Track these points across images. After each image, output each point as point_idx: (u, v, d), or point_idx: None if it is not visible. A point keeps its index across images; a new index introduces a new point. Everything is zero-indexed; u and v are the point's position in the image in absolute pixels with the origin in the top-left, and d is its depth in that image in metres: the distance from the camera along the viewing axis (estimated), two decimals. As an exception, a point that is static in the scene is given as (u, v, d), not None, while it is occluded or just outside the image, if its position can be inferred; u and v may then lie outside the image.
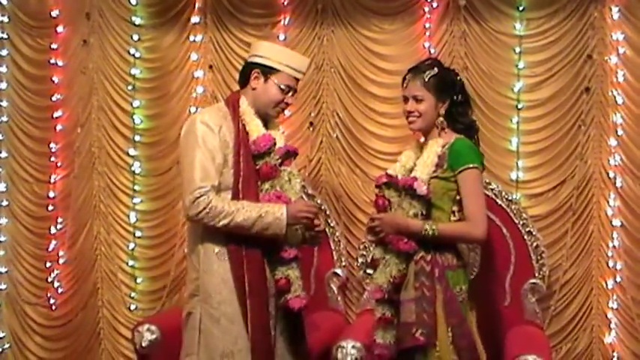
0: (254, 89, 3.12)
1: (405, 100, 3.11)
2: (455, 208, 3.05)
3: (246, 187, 3.04)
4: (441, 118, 3.08)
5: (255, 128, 3.08)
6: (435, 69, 3.07)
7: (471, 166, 3.00)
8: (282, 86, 3.10)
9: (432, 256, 3.01)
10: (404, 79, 3.12)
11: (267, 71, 3.10)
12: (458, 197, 3.04)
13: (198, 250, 3.07)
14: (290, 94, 3.13)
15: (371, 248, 4.16)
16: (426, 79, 3.05)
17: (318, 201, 4.30)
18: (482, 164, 3.08)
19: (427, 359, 2.96)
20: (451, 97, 3.10)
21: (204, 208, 2.95)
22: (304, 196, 4.22)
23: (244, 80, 3.16)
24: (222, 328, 3.01)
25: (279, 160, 3.10)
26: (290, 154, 3.15)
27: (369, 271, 3.25)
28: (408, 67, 3.17)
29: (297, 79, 3.15)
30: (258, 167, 3.07)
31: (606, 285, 4.09)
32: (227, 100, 3.20)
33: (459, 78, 3.19)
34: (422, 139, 3.19)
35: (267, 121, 3.17)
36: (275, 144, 3.09)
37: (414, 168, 3.09)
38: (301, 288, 3.09)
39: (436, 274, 2.99)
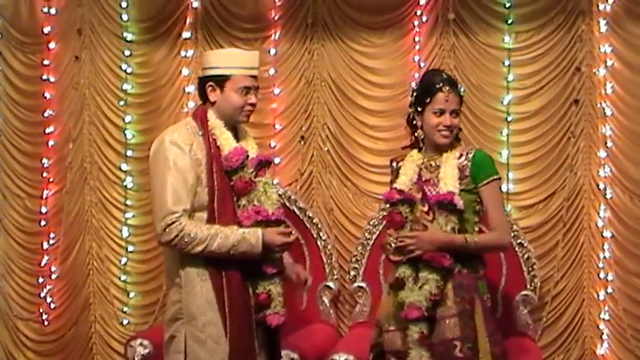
0: (214, 102, 3.00)
1: (438, 113, 3.02)
2: (476, 219, 3.07)
3: (222, 204, 2.94)
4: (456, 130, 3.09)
5: (226, 142, 2.97)
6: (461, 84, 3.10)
7: (495, 177, 3.04)
8: (239, 90, 2.98)
9: (467, 269, 3.02)
10: (439, 90, 3.01)
11: (220, 80, 2.98)
12: (477, 208, 3.05)
13: (179, 272, 2.97)
14: (251, 94, 3.01)
15: (363, 261, 4.20)
16: (462, 94, 3.07)
17: (310, 214, 4.31)
18: None
19: None
20: None
21: (177, 235, 2.86)
22: (297, 211, 4.26)
23: (203, 96, 3.04)
24: (208, 349, 2.93)
25: (253, 173, 3.00)
26: (263, 164, 3.05)
27: (390, 290, 3.12)
28: (440, 80, 3.04)
29: (254, 76, 3.03)
30: (232, 183, 2.97)
31: (598, 296, 4.11)
32: (194, 114, 3.07)
33: None
34: (415, 150, 3.15)
35: (237, 131, 3.08)
36: (247, 156, 3.00)
37: (423, 181, 3.06)
38: (281, 304, 3.01)
39: (472, 286, 3.00)
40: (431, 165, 3.09)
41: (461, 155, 3.05)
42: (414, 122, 3.11)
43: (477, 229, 3.06)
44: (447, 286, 2.98)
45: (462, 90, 3.09)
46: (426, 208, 3.03)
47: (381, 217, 4.20)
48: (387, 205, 3.14)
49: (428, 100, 3.04)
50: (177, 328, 2.98)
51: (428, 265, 2.97)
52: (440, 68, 3.35)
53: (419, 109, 3.07)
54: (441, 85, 3.03)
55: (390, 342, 3.06)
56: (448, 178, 3.00)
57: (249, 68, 3.02)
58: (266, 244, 2.93)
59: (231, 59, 3.04)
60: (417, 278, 2.99)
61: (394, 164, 3.24)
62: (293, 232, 3.09)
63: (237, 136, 3.06)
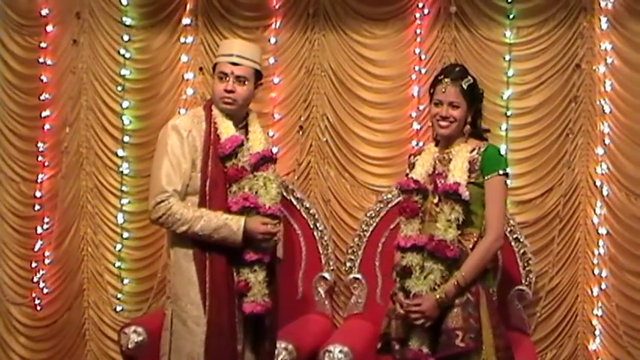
0: None
1: (438, 103, 3.12)
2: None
3: (214, 190, 3.06)
4: (468, 126, 3.13)
5: (225, 130, 3.11)
6: (470, 77, 3.12)
7: (501, 173, 3.07)
8: (218, 76, 3.13)
9: None
10: (438, 82, 3.13)
11: (213, 70, 3.20)
12: None
13: (170, 252, 3.15)
14: (228, 80, 3.12)
15: (359, 253, 4.21)
16: (465, 87, 3.09)
17: (307, 205, 4.30)
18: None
19: None
20: (477, 105, 3.16)
21: (164, 214, 3.02)
22: (294, 201, 4.26)
23: None
24: (189, 330, 3.05)
25: (247, 161, 3.10)
26: (266, 160, 3.16)
27: (399, 278, 3.15)
28: (441, 72, 3.20)
29: (234, 64, 3.12)
30: (226, 170, 3.09)
31: (591, 292, 4.13)
32: (204, 104, 3.24)
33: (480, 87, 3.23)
34: (434, 145, 3.22)
35: (247, 124, 3.21)
36: (242, 144, 3.10)
37: (436, 173, 3.12)
38: (261, 293, 3.08)
39: (477, 277, 3.02)
40: (444, 158, 3.14)
41: (473, 149, 3.10)
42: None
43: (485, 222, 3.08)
44: (452, 276, 3.01)
45: (466, 84, 3.09)
46: (436, 200, 3.08)
47: (378, 208, 4.22)
48: (400, 193, 3.23)
49: (431, 92, 3.17)
50: (167, 306, 3.15)
51: (432, 255, 3.01)
52: (458, 63, 3.45)
53: (430, 100, 3.18)
54: (442, 77, 3.15)
55: (396, 329, 3.11)
56: (457, 170, 3.04)
57: (228, 55, 3.15)
58: (248, 232, 3.03)
59: (220, 48, 3.28)
60: (423, 267, 3.04)
61: (411, 158, 3.31)
62: (278, 224, 3.14)
63: (245, 128, 3.18)
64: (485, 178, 3.05)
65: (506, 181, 3.11)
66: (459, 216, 3.01)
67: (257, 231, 3.04)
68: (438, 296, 2.99)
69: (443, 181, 3.07)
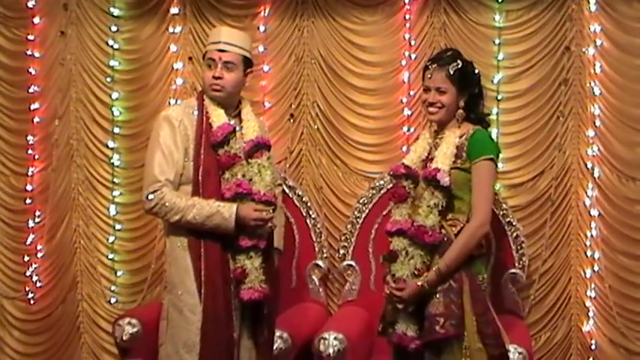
0: None
1: (426, 90, 3.11)
2: None
3: (206, 177, 3.08)
4: (461, 110, 3.10)
5: (217, 119, 3.13)
6: (459, 62, 3.09)
7: (487, 157, 3.02)
8: (206, 63, 3.16)
9: None
10: (426, 68, 3.12)
11: (203, 59, 3.22)
12: None
13: (165, 242, 3.19)
14: (216, 67, 3.13)
15: (352, 239, 4.21)
16: (451, 72, 3.06)
17: (299, 193, 4.30)
18: (498, 157, 3.09)
19: (453, 349, 2.96)
20: (471, 90, 3.13)
21: (157, 204, 3.05)
22: (286, 189, 4.25)
23: None
24: (185, 318, 3.07)
25: (240, 148, 3.11)
26: (260, 147, 3.17)
27: (387, 262, 3.14)
28: (429, 58, 3.22)
29: (222, 50, 3.14)
30: (218, 157, 3.10)
31: (584, 274, 4.14)
32: (197, 95, 3.28)
33: (477, 71, 3.19)
34: (433, 130, 3.21)
35: (240, 112, 3.22)
36: (234, 132, 3.12)
37: (429, 158, 3.12)
38: (259, 279, 3.09)
39: (462, 264, 3.00)
40: (437, 144, 3.12)
41: (463, 134, 3.07)
42: None
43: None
44: (435, 262, 3.01)
45: (453, 68, 3.06)
46: (425, 185, 3.06)
47: (370, 195, 4.21)
48: (392, 179, 3.23)
49: (422, 78, 3.15)
50: (164, 295, 3.19)
51: (413, 240, 3.02)
52: (451, 47, 3.49)
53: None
54: (429, 62, 3.14)
55: (388, 313, 3.11)
56: (440, 156, 3.03)
57: (215, 43, 3.17)
58: (240, 219, 3.03)
59: (209, 37, 3.30)
60: (407, 252, 3.05)
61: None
62: (271, 211, 3.13)
63: (239, 116, 3.21)
64: (472, 162, 3.02)
65: (494, 166, 3.07)
66: (439, 202, 2.99)
67: (249, 217, 3.05)
68: (420, 283, 2.98)
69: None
